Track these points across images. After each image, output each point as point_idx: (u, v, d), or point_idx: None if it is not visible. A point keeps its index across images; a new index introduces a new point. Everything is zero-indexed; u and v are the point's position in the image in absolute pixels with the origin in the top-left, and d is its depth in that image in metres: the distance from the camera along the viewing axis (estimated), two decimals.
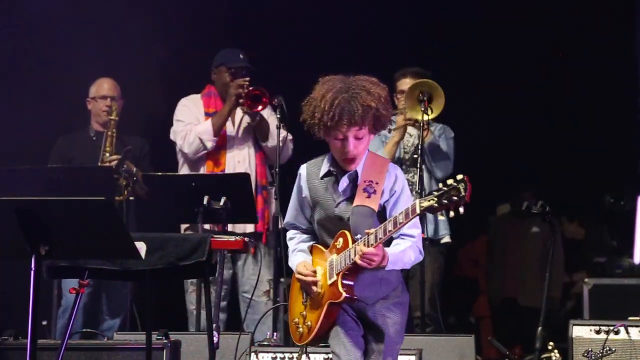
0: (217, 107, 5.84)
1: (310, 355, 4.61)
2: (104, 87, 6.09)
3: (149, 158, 6.07)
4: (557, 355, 5.47)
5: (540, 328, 4.94)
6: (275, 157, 5.65)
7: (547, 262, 5.33)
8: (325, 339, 3.71)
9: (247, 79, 5.68)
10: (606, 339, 4.53)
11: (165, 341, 4.48)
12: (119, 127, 5.96)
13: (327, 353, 4.55)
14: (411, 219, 3.44)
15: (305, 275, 3.71)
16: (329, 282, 3.64)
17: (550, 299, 6.79)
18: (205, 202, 4.87)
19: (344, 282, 3.59)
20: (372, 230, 3.50)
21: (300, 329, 3.74)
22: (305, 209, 3.84)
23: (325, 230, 3.74)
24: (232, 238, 4.37)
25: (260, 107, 5.62)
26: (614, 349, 4.51)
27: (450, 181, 3.36)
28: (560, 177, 6.88)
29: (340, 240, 3.65)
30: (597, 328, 4.58)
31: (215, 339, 4.36)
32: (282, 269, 5.41)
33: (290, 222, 3.90)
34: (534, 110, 7.13)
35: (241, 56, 5.86)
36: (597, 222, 6.82)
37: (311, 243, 3.83)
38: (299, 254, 3.84)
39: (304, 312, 3.74)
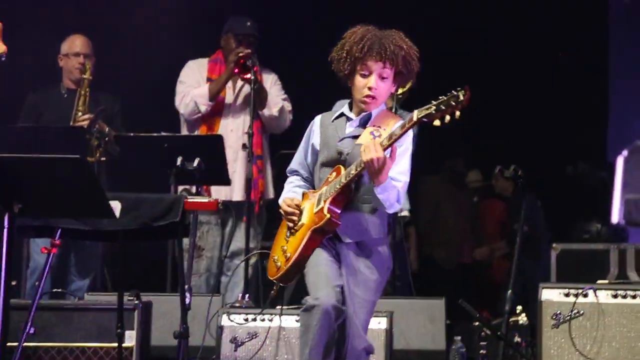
0: (220, 74, 5.83)
1: (284, 317, 4.63)
2: (76, 44, 6.00)
3: (121, 117, 6.02)
4: (525, 318, 5.55)
5: (509, 291, 4.99)
6: (272, 127, 5.80)
7: (519, 227, 5.40)
8: (300, 270, 3.66)
9: (249, 50, 5.66)
10: (575, 302, 4.59)
11: (136, 302, 4.48)
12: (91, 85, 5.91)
13: (298, 315, 4.58)
14: (408, 128, 3.48)
15: (288, 206, 3.72)
16: (315, 209, 3.66)
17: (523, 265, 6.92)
18: (178, 163, 4.85)
19: (330, 207, 3.61)
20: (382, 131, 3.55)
21: (279, 262, 3.72)
22: (309, 156, 3.85)
23: (326, 173, 3.73)
24: (206, 199, 4.37)
25: (249, 75, 5.59)
26: (582, 312, 4.58)
27: (452, 91, 3.41)
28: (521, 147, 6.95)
29: (334, 174, 3.68)
30: (566, 291, 4.64)
31: (187, 301, 4.37)
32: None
33: (293, 169, 3.91)
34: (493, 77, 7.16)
35: (248, 24, 5.85)
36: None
37: (305, 189, 3.83)
38: (288, 193, 3.85)
39: (285, 246, 3.73)
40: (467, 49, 7.07)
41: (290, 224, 3.74)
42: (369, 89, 3.68)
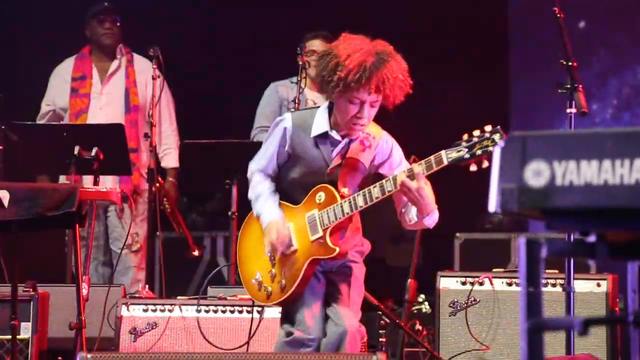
0: (85, 71, 5.74)
1: (183, 307, 4.59)
2: None
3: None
4: (427, 306, 5.61)
5: (409, 280, 5.04)
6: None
7: None
8: (295, 300, 3.55)
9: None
10: (471, 289, 4.66)
11: (32, 293, 4.39)
12: None
13: (199, 305, 4.55)
14: (436, 170, 3.31)
15: (281, 243, 3.53)
16: (312, 238, 3.51)
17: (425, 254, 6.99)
18: (75, 152, 4.77)
19: (332, 237, 3.48)
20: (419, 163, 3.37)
21: (269, 288, 3.58)
22: (279, 160, 3.64)
23: (302, 188, 3.58)
24: (103, 189, 4.31)
25: None
26: (478, 299, 4.66)
27: (477, 132, 3.24)
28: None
29: (322, 194, 3.52)
30: (462, 279, 4.71)
31: (84, 291, 4.29)
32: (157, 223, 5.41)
33: (260, 169, 3.67)
34: None
35: (106, 3, 5.82)
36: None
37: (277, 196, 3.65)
38: (273, 205, 3.61)
39: (273, 270, 3.57)
40: None
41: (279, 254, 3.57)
42: (359, 119, 3.47)
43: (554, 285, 4.48)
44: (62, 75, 5.81)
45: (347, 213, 3.46)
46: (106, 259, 5.77)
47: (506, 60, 7.24)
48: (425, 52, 6.89)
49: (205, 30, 7.06)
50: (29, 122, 5.27)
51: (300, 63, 5.51)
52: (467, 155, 3.25)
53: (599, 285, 4.49)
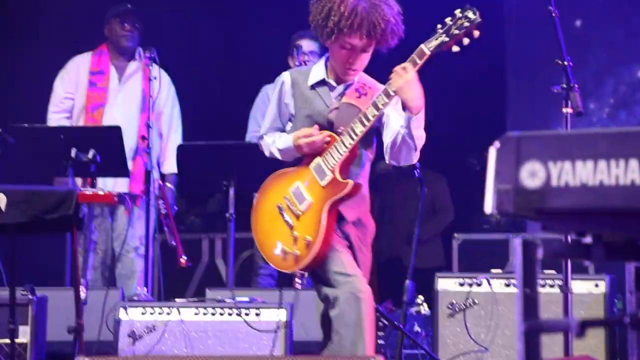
0: (102, 67, 5.72)
1: (181, 309, 4.58)
2: None
3: None
4: (426, 308, 5.60)
5: (407, 281, 5.03)
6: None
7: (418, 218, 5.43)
8: (328, 250, 3.52)
9: None
10: (469, 291, 4.66)
11: (30, 297, 4.39)
12: None
13: (197, 307, 4.55)
14: (420, 65, 3.37)
15: (310, 135, 3.53)
16: (323, 183, 3.53)
17: (430, 257, 6.97)
18: (73, 154, 4.76)
19: (342, 174, 3.51)
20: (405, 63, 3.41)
21: (296, 251, 3.55)
22: (283, 116, 3.71)
23: None
24: (101, 191, 4.29)
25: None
26: (476, 301, 4.65)
27: (447, 19, 3.30)
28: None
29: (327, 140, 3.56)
30: (461, 281, 4.70)
31: (83, 295, 4.29)
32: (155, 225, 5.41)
33: (264, 133, 3.76)
34: None
35: (128, 5, 5.79)
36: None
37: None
38: (285, 136, 3.67)
39: (295, 232, 3.57)
40: None
41: (304, 198, 3.57)
42: (352, 63, 3.55)
43: (551, 286, 4.47)
44: (80, 67, 5.76)
45: (350, 143, 3.50)
46: (111, 264, 5.69)
47: (502, 60, 7.23)
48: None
49: (204, 31, 7.04)
50: (26, 125, 5.23)
51: (297, 63, 5.52)
52: (446, 39, 3.31)
53: (597, 285, 4.48)
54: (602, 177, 1.83)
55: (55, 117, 5.71)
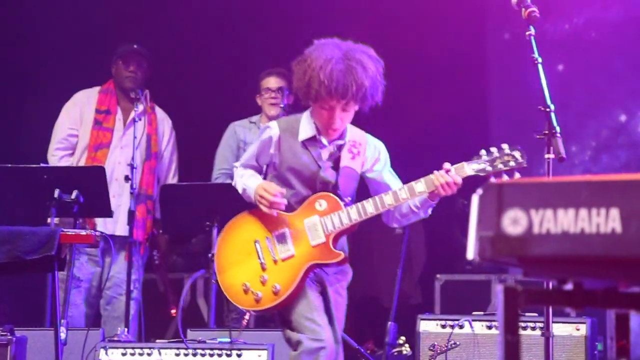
0: (110, 106, 5.70)
1: (162, 350, 4.56)
2: None
3: None
4: (408, 349, 5.60)
5: (390, 322, 5.03)
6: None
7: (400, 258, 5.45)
8: (288, 305, 3.62)
9: None
10: (451, 333, 4.66)
11: (9, 337, 4.36)
12: None
13: (178, 348, 4.52)
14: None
15: (271, 193, 3.61)
16: (313, 243, 3.62)
17: (410, 298, 6.97)
18: (55, 195, 4.75)
19: (335, 243, 3.62)
20: (450, 166, 3.57)
21: (259, 293, 3.63)
22: (260, 160, 3.80)
23: (294, 196, 3.69)
24: (83, 232, 4.29)
25: None
26: (458, 343, 4.65)
27: (494, 148, 3.47)
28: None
29: (323, 201, 3.64)
30: (443, 322, 4.71)
31: (63, 335, 4.27)
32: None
33: (241, 164, 3.85)
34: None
35: (135, 46, 5.81)
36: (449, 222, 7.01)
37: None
38: (257, 178, 3.74)
39: (264, 275, 3.64)
40: None
41: (274, 210, 3.64)
42: (332, 124, 3.66)
43: (533, 328, 4.49)
44: (85, 103, 5.74)
45: (355, 219, 3.61)
46: (94, 302, 5.64)
47: (484, 104, 7.29)
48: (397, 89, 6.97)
49: (175, 72, 7.04)
50: (8, 165, 5.21)
51: (269, 102, 5.57)
52: (489, 168, 3.48)
53: (577, 329, 4.50)
54: (583, 225, 1.86)
55: (59, 155, 5.67)
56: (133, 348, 4.58)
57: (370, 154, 3.76)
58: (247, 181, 3.76)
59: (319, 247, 3.61)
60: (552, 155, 3.73)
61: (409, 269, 6.93)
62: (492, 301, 6.08)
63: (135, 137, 5.40)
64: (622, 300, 1.94)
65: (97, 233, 4.25)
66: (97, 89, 5.81)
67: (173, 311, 5.57)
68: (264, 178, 3.83)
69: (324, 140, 3.72)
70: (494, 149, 3.51)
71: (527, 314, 4.59)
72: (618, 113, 7.04)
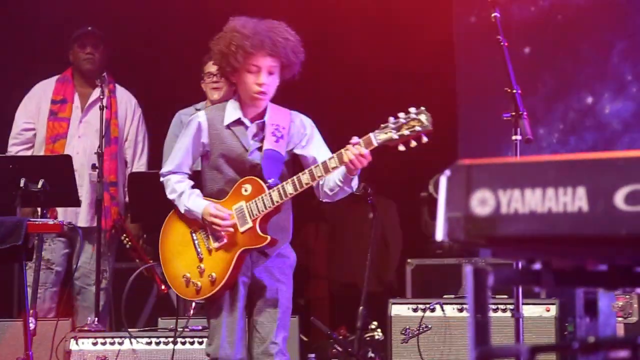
0: (66, 95, 5.60)
1: (133, 340, 4.54)
2: None
3: None
4: (380, 333, 5.61)
5: (361, 307, 5.05)
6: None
7: (370, 245, 5.46)
8: (224, 294, 3.66)
9: None
10: (422, 316, 4.68)
11: None
12: None
13: (149, 337, 4.51)
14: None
15: (221, 218, 3.64)
16: (242, 229, 3.63)
17: (384, 283, 6.99)
18: (22, 184, 4.70)
19: (262, 225, 3.62)
20: (358, 139, 3.52)
21: (198, 283, 3.67)
22: (195, 156, 3.80)
23: (222, 178, 3.70)
24: (51, 221, 4.26)
25: None
26: (430, 326, 4.68)
27: (402, 114, 3.40)
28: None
29: (249, 186, 3.65)
30: (414, 306, 4.73)
31: (32, 326, 4.24)
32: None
33: (173, 170, 3.81)
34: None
35: (89, 27, 5.70)
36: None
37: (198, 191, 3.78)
38: (197, 197, 3.74)
39: (201, 265, 3.68)
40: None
41: (219, 239, 3.67)
42: (260, 85, 3.67)
43: (503, 310, 4.52)
44: (42, 95, 5.64)
45: (277, 201, 3.61)
46: (59, 289, 5.55)
47: (452, 85, 7.31)
48: (366, 71, 6.97)
49: (149, 57, 6.97)
50: None
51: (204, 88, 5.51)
52: (396, 136, 3.42)
53: (548, 310, 4.53)
54: (551, 205, 1.86)
55: (14, 150, 5.58)
56: (104, 337, 4.56)
57: (295, 132, 3.77)
58: (188, 203, 3.76)
59: (247, 232, 3.65)
60: (519, 137, 3.76)
61: (384, 253, 6.94)
62: (462, 285, 6.11)
63: (101, 123, 5.31)
64: (591, 279, 1.96)
65: (64, 222, 4.21)
66: (54, 78, 5.71)
67: (163, 287, 5.52)
68: (201, 170, 3.86)
69: (247, 121, 3.73)
70: (401, 114, 3.45)
71: (497, 296, 4.62)
72: (585, 95, 7.08)
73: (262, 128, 3.74)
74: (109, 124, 5.52)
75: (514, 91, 3.75)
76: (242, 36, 3.64)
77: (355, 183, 3.68)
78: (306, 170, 3.60)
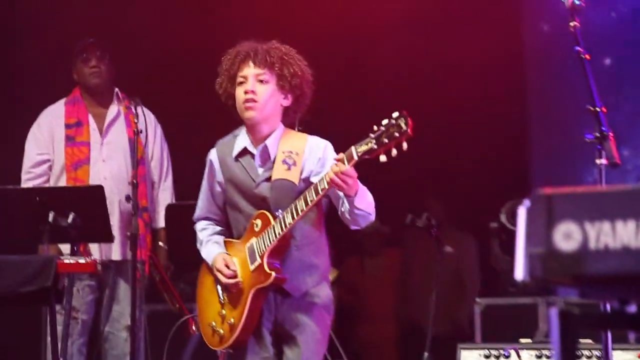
0: (80, 117, 5.57)
1: None
2: None
3: None
4: None
5: (426, 354, 5.02)
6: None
7: (434, 283, 5.44)
8: (250, 333, 3.70)
9: None
10: None
11: None
12: None
13: None
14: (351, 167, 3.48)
15: (225, 275, 3.72)
16: (252, 267, 3.68)
17: (458, 326, 6.94)
18: (50, 219, 4.71)
19: (270, 261, 3.65)
20: (340, 155, 3.52)
21: (220, 331, 3.74)
22: (217, 197, 3.88)
23: (243, 216, 3.76)
24: (83, 260, 4.28)
25: None
26: None
27: (386, 120, 3.40)
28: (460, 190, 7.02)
29: (259, 221, 3.70)
30: (486, 352, 4.69)
31: None
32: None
33: (201, 215, 3.94)
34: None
35: (91, 40, 5.68)
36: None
37: (224, 237, 3.88)
38: (213, 244, 3.85)
39: (223, 311, 3.75)
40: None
41: (230, 290, 3.74)
42: (246, 92, 3.72)
43: (589, 357, 4.46)
44: (52, 121, 5.60)
45: (279, 233, 3.63)
46: (89, 338, 5.51)
47: (524, 103, 7.26)
48: (439, 100, 6.96)
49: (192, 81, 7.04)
50: None
51: None
52: (375, 146, 3.41)
53: (639, 357, 4.46)
54: None
55: (29, 185, 5.49)
56: None
57: (309, 157, 3.77)
58: (203, 254, 3.90)
59: (257, 270, 3.69)
60: (604, 161, 3.71)
61: (458, 292, 6.90)
62: (539, 327, 6.04)
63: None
64: None
65: (99, 260, 4.24)
66: (62, 101, 5.68)
67: (194, 328, 5.52)
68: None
69: (253, 149, 3.78)
70: (385, 121, 3.44)
71: (581, 340, 4.56)
72: None
73: (267, 153, 3.77)
74: (134, 145, 5.55)
75: (597, 109, 3.71)
76: (226, 61, 3.80)
77: (365, 205, 3.64)
78: (301, 196, 3.61)
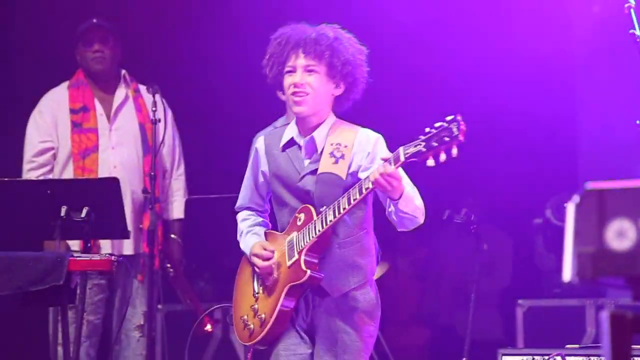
0: (85, 101, 5.57)
1: None
2: None
3: None
4: None
5: (463, 359, 5.03)
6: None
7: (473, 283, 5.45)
8: (281, 331, 3.74)
9: None
10: None
11: None
12: None
13: None
14: (397, 167, 3.52)
15: (262, 258, 3.78)
16: (289, 263, 3.74)
17: (494, 327, 6.95)
18: (62, 213, 4.73)
19: (307, 259, 3.69)
20: (387, 155, 3.59)
21: (251, 325, 3.80)
22: (261, 186, 3.96)
23: (287, 209, 3.82)
24: (97, 257, 4.31)
25: None
26: None
27: (439, 123, 3.44)
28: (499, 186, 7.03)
29: (302, 215, 3.75)
30: (529, 357, 4.69)
31: None
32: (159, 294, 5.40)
33: (243, 205, 4.01)
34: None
35: (94, 20, 5.66)
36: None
37: (266, 228, 3.95)
38: (252, 236, 3.91)
39: (256, 305, 3.81)
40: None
41: (266, 280, 3.80)
42: (294, 85, 3.76)
43: None
44: (55, 106, 5.60)
45: (319, 230, 3.67)
46: (97, 339, 5.53)
47: (572, 87, 7.25)
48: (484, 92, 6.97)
49: (203, 74, 7.06)
50: (6, 179, 5.17)
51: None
52: (424, 149, 3.45)
53: None
54: None
55: (32, 177, 5.52)
56: None
57: (358, 150, 3.79)
58: (242, 244, 3.97)
59: (293, 266, 3.73)
60: None
61: (490, 293, 6.91)
62: (587, 331, 6.03)
63: (154, 141, 5.36)
64: None
65: (114, 257, 4.27)
66: (64, 85, 5.68)
67: (208, 327, 5.56)
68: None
69: (300, 139, 3.84)
70: (437, 124, 3.47)
71: (633, 346, 4.55)
72: None
73: (314, 145, 3.81)
74: (144, 129, 5.58)
75: None
76: (274, 46, 3.82)
77: (411, 209, 3.67)
78: (345, 193, 3.64)
